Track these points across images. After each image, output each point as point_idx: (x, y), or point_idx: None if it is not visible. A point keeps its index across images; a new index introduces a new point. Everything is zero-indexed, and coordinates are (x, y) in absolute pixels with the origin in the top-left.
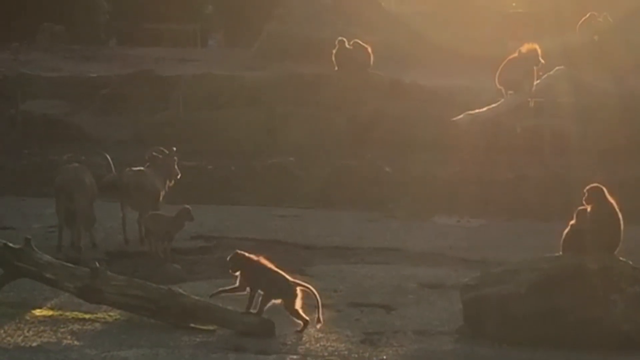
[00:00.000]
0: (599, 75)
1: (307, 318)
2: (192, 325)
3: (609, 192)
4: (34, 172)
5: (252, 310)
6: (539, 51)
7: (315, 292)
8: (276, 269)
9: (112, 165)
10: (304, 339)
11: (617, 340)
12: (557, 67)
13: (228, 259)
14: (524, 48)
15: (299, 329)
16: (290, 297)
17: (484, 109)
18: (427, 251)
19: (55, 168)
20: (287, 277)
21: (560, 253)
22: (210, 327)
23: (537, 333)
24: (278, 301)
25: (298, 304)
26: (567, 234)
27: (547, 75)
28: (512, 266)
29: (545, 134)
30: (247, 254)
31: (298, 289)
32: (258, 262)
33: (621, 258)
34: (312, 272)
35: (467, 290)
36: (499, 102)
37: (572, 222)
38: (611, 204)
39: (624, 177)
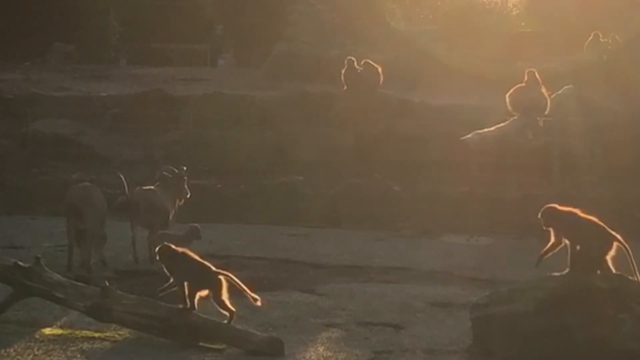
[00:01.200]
0: (607, 94)
1: (233, 309)
2: (201, 344)
3: (615, 209)
4: (44, 191)
5: (182, 306)
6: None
7: (238, 280)
8: (201, 260)
9: (126, 185)
10: (312, 357)
11: (625, 358)
12: (565, 86)
13: (156, 250)
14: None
15: (225, 321)
16: (215, 287)
17: (493, 127)
18: (436, 270)
19: (66, 187)
20: (211, 267)
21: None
22: (220, 346)
23: (546, 352)
24: (205, 292)
25: (224, 295)
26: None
27: (556, 94)
28: (521, 285)
29: (553, 153)
30: (172, 247)
31: (223, 278)
32: (183, 255)
33: (630, 277)
34: (321, 290)
35: (475, 309)
36: (507, 121)
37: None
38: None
39: (632, 196)
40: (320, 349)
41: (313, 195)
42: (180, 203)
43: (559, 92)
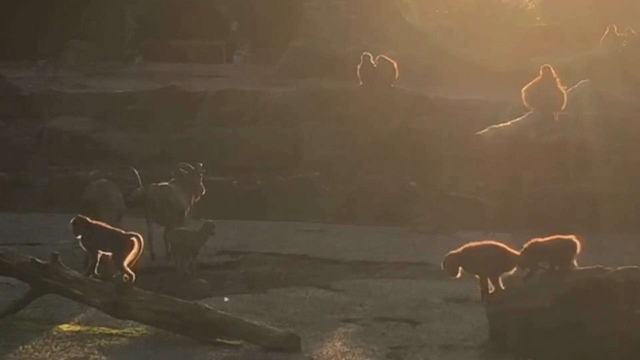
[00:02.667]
0: (623, 88)
1: (132, 273)
2: (218, 340)
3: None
4: (60, 188)
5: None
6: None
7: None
8: (112, 227)
9: (140, 180)
10: (329, 353)
11: None
12: (581, 81)
13: (71, 222)
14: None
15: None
16: (121, 249)
17: (509, 123)
18: None
19: (82, 184)
20: (121, 231)
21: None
22: (237, 342)
23: (563, 347)
24: (109, 253)
25: (129, 257)
26: None
27: (572, 89)
28: (538, 280)
29: (569, 148)
30: (86, 219)
31: (134, 240)
32: (95, 224)
33: None
34: (338, 286)
35: (492, 305)
36: (523, 116)
37: None
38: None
39: None
40: (337, 344)
41: (329, 192)
42: (196, 200)
43: (575, 86)
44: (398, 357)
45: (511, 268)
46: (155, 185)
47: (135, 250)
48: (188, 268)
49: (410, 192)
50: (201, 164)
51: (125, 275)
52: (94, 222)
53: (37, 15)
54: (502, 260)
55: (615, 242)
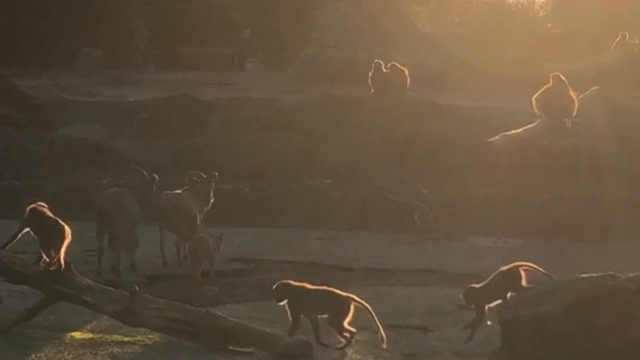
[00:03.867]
0: (634, 95)
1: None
2: (230, 347)
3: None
4: (73, 196)
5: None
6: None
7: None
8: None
9: (146, 175)
10: None
11: None
12: (592, 88)
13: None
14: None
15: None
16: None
17: (520, 129)
18: (464, 272)
19: (95, 192)
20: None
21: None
22: (249, 350)
23: (575, 354)
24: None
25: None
26: None
27: (583, 95)
28: (549, 287)
29: (580, 155)
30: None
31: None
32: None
33: None
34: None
35: (504, 311)
36: (534, 123)
37: None
38: None
39: None
40: (349, 351)
41: (341, 199)
42: (207, 208)
43: (586, 93)
44: None
45: None
46: (167, 194)
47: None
48: (201, 274)
49: (422, 199)
50: (216, 173)
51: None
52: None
53: (49, 23)
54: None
55: (627, 248)
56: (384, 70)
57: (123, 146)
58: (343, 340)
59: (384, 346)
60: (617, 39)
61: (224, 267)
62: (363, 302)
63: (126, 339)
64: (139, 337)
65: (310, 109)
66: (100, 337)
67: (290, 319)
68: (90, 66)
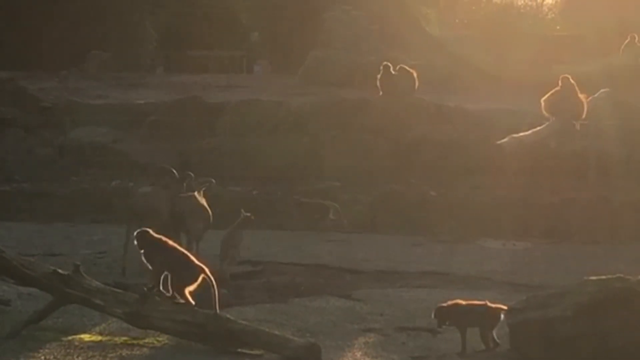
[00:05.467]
0: None
1: None
2: (239, 350)
3: None
4: (82, 198)
5: None
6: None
7: None
8: None
9: (176, 173)
10: None
11: None
12: (601, 90)
13: None
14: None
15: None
16: None
17: (529, 132)
18: (473, 275)
19: (104, 195)
20: None
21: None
22: (258, 352)
23: (583, 357)
24: None
25: None
26: None
27: (592, 98)
28: (558, 289)
29: (590, 157)
30: None
31: None
32: None
33: None
34: (358, 296)
35: (512, 314)
36: (543, 125)
37: None
38: None
39: None
40: (358, 354)
41: (350, 201)
42: None
43: (595, 95)
44: None
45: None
46: (183, 196)
47: None
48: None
49: (431, 202)
50: (213, 180)
51: None
52: None
53: (58, 26)
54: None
55: (637, 251)
56: (393, 72)
57: (132, 149)
58: (177, 298)
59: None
60: (627, 41)
61: (233, 269)
62: (212, 277)
63: (135, 341)
64: (148, 340)
65: (319, 111)
66: (109, 340)
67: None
68: (99, 69)
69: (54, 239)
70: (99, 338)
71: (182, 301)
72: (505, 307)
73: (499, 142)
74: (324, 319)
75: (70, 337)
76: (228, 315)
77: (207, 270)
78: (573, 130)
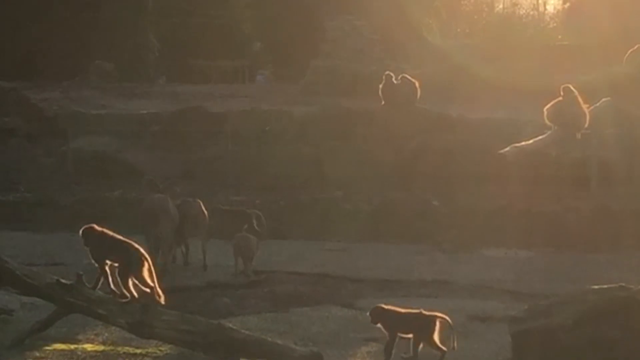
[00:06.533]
0: None
1: None
2: (242, 359)
3: None
4: (85, 208)
5: None
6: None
7: None
8: None
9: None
10: None
11: None
12: (603, 99)
13: None
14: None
15: None
16: None
17: (531, 141)
18: (475, 283)
19: (107, 204)
20: None
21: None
22: None
23: None
24: None
25: None
26: None
27: (594, 106)
28: (561, 298)
29: (591, 166)
30: None
31: None
32: None
33: None
34: (361, 305)
35: (515, 323)
36: (545, 134)
37: None
38: None
39: None
40: None
41: (352, 210)
42: None
43: (597, 104)
44: None
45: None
46: (188, 201)
47: None
48: (213, 286)
49: (433, 210)
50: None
51: None
52: None
53: (61, 36)
54: None
55: (638, 259)
56: (395, 82)
57: (135, 158)
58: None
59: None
60: (631, 50)
61: (235, 278)
62: (152, 267)
63: (138, 351)
64: (150, 349)
65: (321, 121)
66: (112, 349)
67: None
68: (101, 79)
69: (57, 249)
70: (102, 348)
71: (125, 300)
72: (441, 315)
73: (501, 151)
74: (327, 328)
75: (73, 347)
76: (231, 325)
77: (149, 259)
78: (575, 139)
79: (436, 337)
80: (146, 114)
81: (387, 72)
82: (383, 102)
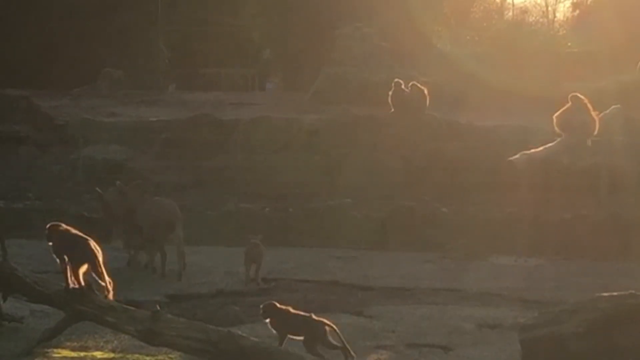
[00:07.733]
0: None
1: None
2: None
3: None
4: (95, 216)
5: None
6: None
7: None
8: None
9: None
10: None
11: None
12: (613, 106)
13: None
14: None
15: None
16: None
17: (540, 148)
18: (484, 291)
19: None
20: None
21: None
22: None
23: None
24: None
25: None
26: None
27: (603, 114)
28: (570, 306)
29: (601, 173)
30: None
31: None
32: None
33: None
34: (370, 312)
35: (524, 330)
36: (555, 142)
37: None
38: None
39: None
40: None
41: (361, 218)
42: None
43: (607, 112)
44: None
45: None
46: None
47: None
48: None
49: (442, 218)
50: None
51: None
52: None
53: (71, 44)
54: None
55: None
56: (404, 89)
57: (144, 166)
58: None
59: None
60: None
61: (245, 286)
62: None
63: (147, 358)
64: (160, 357)
65: (331, 128)
66: (121, 357)
67: None
68: (111, 87)
69: None
70: (112, 355)
71: (76, 286)
72: (328, 323)
73: (510, 158)
74: None
75: (82, 354)
76: (240, 333)
77: (100, 256)
78: (584, 146)
79: (322, 343)
80: (156, 122)
81: (396, 80)
82: (392, 110)
